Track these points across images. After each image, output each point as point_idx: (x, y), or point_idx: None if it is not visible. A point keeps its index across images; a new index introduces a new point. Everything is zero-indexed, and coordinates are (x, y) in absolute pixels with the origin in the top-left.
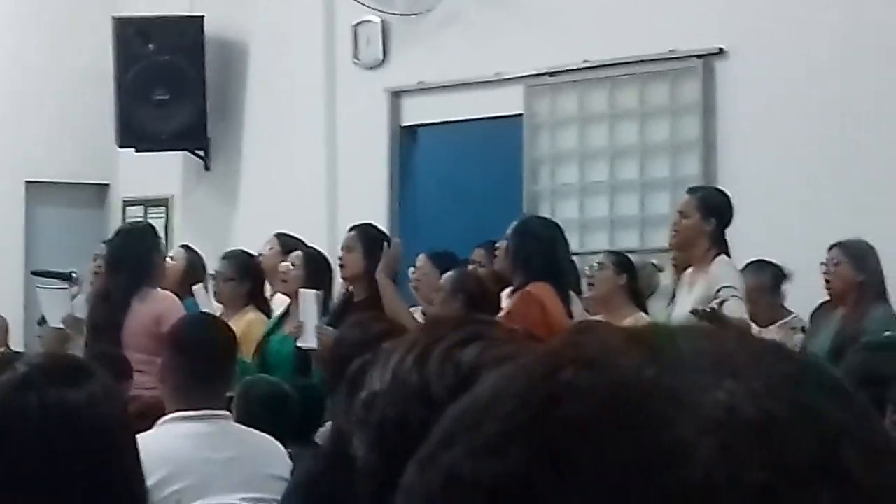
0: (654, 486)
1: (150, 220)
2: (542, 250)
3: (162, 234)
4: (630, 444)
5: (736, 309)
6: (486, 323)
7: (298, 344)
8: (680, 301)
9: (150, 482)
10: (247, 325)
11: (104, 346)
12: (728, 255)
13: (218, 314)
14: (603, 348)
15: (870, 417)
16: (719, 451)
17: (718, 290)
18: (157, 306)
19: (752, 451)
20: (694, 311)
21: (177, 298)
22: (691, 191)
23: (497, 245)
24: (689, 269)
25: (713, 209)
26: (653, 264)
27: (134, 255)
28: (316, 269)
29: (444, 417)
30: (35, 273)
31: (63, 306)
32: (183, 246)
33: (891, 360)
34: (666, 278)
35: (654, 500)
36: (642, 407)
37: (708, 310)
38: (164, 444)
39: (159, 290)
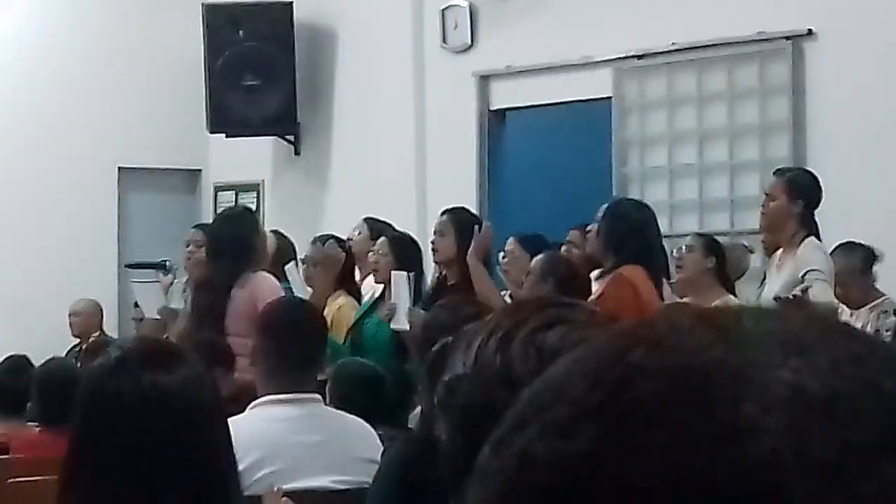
0: (721, 463)
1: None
2: (635, 233)
3: None
4: (697, 422)
5: (821, 293)
6: (569, 306)
7: (392, 326)
8: (769, 283)
9: (242, 465)
10: (338, 309)
11: (205, 334)
12: (818, 236)
13: (308, 297)
14: (672, 329)
15: None
16: (786, 427)
17: (805, 274)
18: (256, 289)
19: (819, 427)
20: (777, 298)
21: (274, 279)
22: (779, 172)
23: (588, 228)
24: (779, 251)
25: (801, 191)
26: (743, 245)
27: (235, 240)
28: (404, 253)
29: (517, 400)
30: (129, 266)
31: (158, 298)
32: (273, 231)
33: None
34: (757, 260)
35: (721, 477)
36: (709, 385)
37: (791, 297)
38: (256, 427)
39: (258, 272)
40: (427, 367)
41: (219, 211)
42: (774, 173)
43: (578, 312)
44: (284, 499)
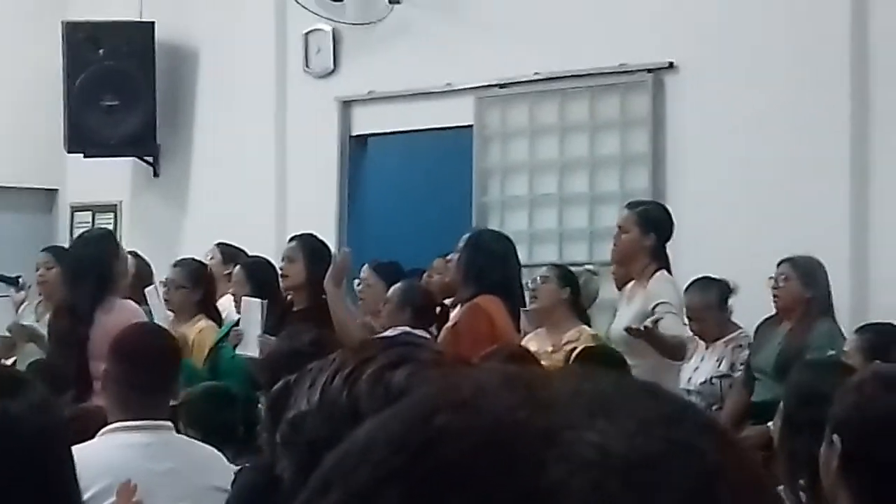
0: None
1: (98, 226)
2: (494, 264)
3: None
4: (502, 484)
5: (671, 325)
6: (415, 345)
7: (238, 351)
8: (619, 315)
9: (89, 493)
10: (199, 333)
11: (58, 359)
12: (668, 270)
13: (168, 321)
14: (479, 391)
15: (744, 457)
16: (591, 490)
17: (655, 306)
18: (123, 316)
19: (624, 489)
20: (628, 329)
21: (136, 306)
22: (630, 206)
23: (449, 257)
24: (630, 284)
25: (653, 224)
26: (588, 270)
27: (95, 264)
28: (259, 279)
29: (322, 463)
30: None
31: (8, 314)
32: (131, 252)
33: (833, 380)
34: (610, 292)
35: None
36: (515, 448)
37: (642, 328)
38: (105, 454)
39: (122, 299)
40: (268, 404)
41: (76, 232)
42: (626, 206)
43: (425, 352)
44: (137, 500)
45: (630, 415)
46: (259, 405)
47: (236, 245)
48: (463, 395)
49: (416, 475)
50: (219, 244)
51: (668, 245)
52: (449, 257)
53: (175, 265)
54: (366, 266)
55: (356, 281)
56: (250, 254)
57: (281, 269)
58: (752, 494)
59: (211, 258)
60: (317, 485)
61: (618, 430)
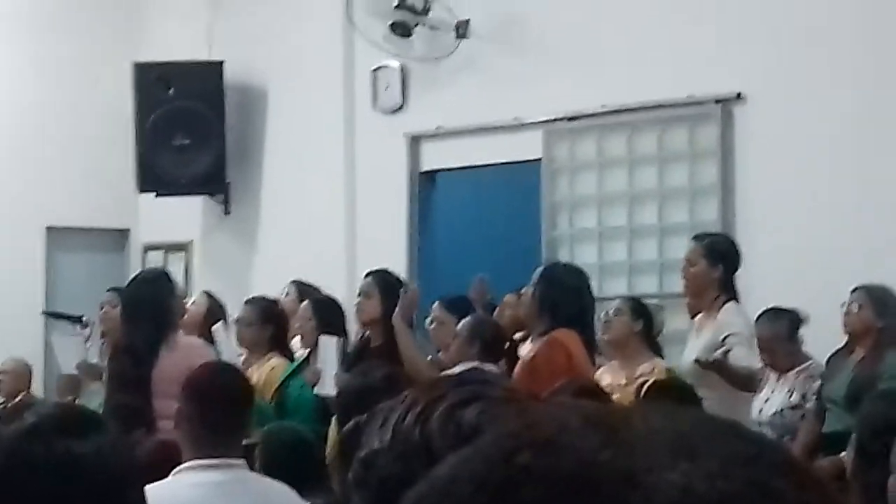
0: None
1: (171, 265)
2: (569, 298)
3: (182, 279)
4: None
5: (742, 356)
6: (486, 382)
7: (316, 391)
8: (689, 347)
9: None
10: (270, 370)
11: (125, 397)
12: (737, 300)
13: (240, 359)
14: (560, 430)
15: (824, 495)
16: None
17: (725, 338)
18: (190, 354)
19: None
20: (697, 361)
21: (203, 343)
22: (697, 238)
23: (522, 291)
24: (699, 315)
25: (720, 256)
26: (656, 304)
27: (151, 303)
28: (328, 316)
29: (403, 500)
30: (46, 313)
31: (77, 352)
32: (204, 292)
33: None
34: (679, 324)
35: None
36: (598, 490)
37: (711, 360)
38: (180, 493)
39: (188, 337)
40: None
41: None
42: (693, 239)
43: (495, 389)
44: None
45: (711, 455)
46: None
47: (311, 283)
48: (544, 433)
49: None
50: (294, 282)
51: (738, 275)
52: (522, 291)
53: (246, 303)
54: (436, 303)
55: (427, 318)
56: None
57: (357, 304)
58: None
59: (286, 295)
60: None
61: (700, 470)
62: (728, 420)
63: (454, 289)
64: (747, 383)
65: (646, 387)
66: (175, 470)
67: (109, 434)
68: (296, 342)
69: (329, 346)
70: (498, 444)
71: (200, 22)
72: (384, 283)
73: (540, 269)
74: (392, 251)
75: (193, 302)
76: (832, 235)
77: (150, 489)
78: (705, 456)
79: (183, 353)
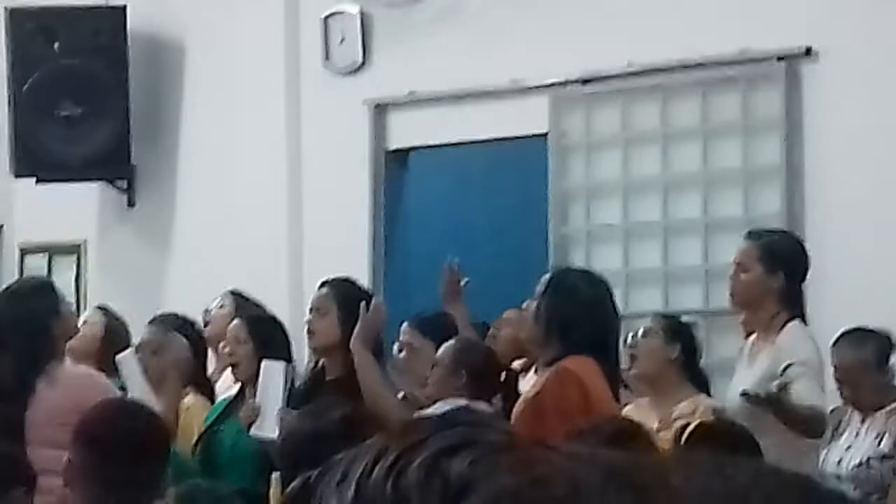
0: None
1: (56, 273)
2: (584, 315)
3: (72, 289)
4: None
5: (806, 392)
6: (478, 424)
7: (253, 431)
8: (737, 377)
9: None
10: (186, 410)
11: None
12: (804, 319)
13: (147, 395)
14: (575, 489)
15: None
16: None
17: (785, 368)
18: (75, 387)
19: None
20: (747, 395)
21: (96, 375)
22: (751, 236)
23: (524, 306)
24: (752, 337)
25: (781, 260)
26: (691, 321)
27: (26, 323)
28: (268, 337)
29: None
30: None
31: None
32: (99, 307)
33: None
34: (735, 348)
35: None
36: None
37: (765, 395)
38: None
39: (77, 366)
40: None
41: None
42: (747, 237)
43: (491, 432)
44: None
45: None
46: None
47: (248, 296)
48: (556, 494)
49: None
50: (231, 292)
51: (805, 286)
52: (523, 306)
53: (150, 323)
54: (405, 325)
55: (395, 344)
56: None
57: (308, 323)
58: None
59: (221, 307)
60: None
61: None
62: (798, 474)
63: (431, 303)
64: (812, 426)
65: (687, 432)
66: None
67: None
68: (226, 375)
69: (274, 373)
70: None
71: None
72: (343, 296)
73: (546, 276)
74: (350, 254)
75: (85, 321)
76: None
77: None
78: None
79: (70, 389)
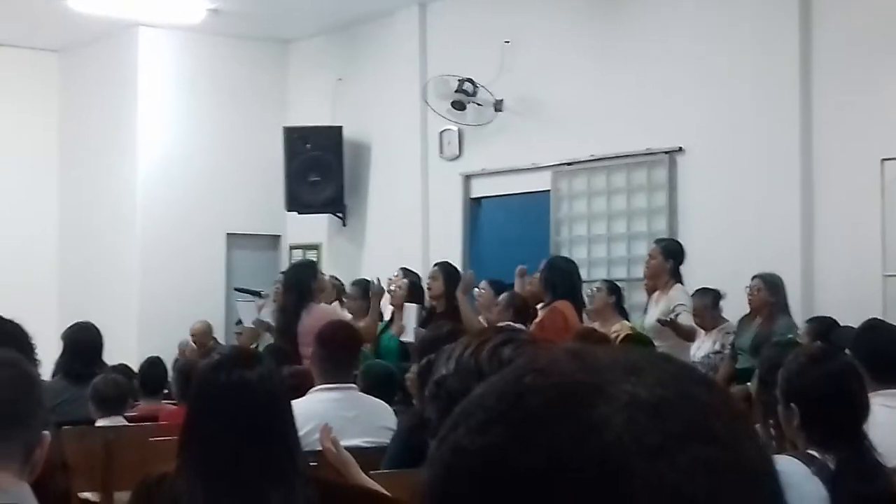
0: (585, 449)
1: (308, 257)
2: (565, 279)
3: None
4: (568, 421)
5: (686, 319)
6: (517, 331)
7: (401, 338)
8: (649, 314)
9: (303, 431)
10: (366, 325)
11: (276, 343)
12: (682, 283)
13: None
14: (552, 361)
15: (728, 398)
16: (626, 423)
17: (675, 307)
18: (322, 315)
19: (647, 422)
20: (658, 320)
21: (335, 308)
22: (658, 241)
23: (535, 275)
24: (656, 293)
25: (672, 253)
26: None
27: (299, 282)
28: (414, 291)
29: (453, 411)
30: (237, 289)
31: (254, 313)
32: (331, 276)
33: (785, 353)
34: (641, 298)
35: (585, 458)
36: (575, 397)
37: (667, 319)
38: (314, 406)
39: (321, 304)
40: (418, 373)
41: (291, 262)
42: (655, 242)
43: (523, 335)
44: (333, 435)
45: (651, 373)
46: (406, 374)
47: (413, 269)
48: (542, 364)
49: (512, 417)
50: (403, 268)
51: (682, 267)
52: (535, 276)
53: (353, 283)
54: (483, 281)
55: (476, 291)
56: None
57: (428, 285)
58: (735, 424)
59: (397, 277)
60: (450, 424)
61: (643, 383)
62: (664, 353)
63: (494, 273)
64: (690, 336)
65: (618, 339)
66: (310, 390)
67: (268, 366)
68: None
69: (411, 310)
70: (512, 371)
71: (327, 98)
72: (446, 270)
73: (545, 260)
74: (452, 250)
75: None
76: (743, 240)
77: (294, 403)
78: (647, 374)
79: (314, 315)
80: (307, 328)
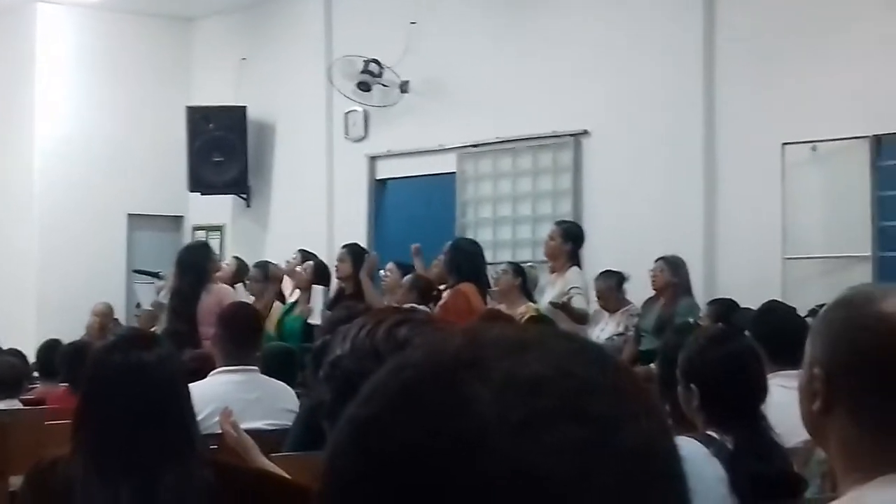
0: (454, 422)
1: (209, 240)
2: (469, 261)
3: (218, 249)
4: (441, 395)
5: (579, 302)
6: (414, 311)
7: (309, 321)
8: (546, 294)
9: (203, 414)
10: (266, 306)
11: (175, 325)
12: (580, 266)
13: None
14: (441, 338)
15: (624, 378)
16: (494, 399)
17: (570, 289)
18: (220, 296)
19: (517, 399)
20: (551, 303)
21: (232, 289)
22: (558, 223)
23: (439, 258)
24: (554, 274)
25: (571, 236)
26: (532, 266)
27: (195, 263)
28: (320, 273)
29: (361, 389)
30: (135, 271)
31: (153, 295)
32: (235, 256)
33: (685, 335)
34: (544, 279)
35: (453, 431)
36: (449, 372)
37: (560, 302)
38: (214, 389)
39: (220, 285)
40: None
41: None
42: (555, 223)
43: (420, 315)
44: (233, 419)
45: (536, 351)
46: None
47: (311, 251)
48: (431, 340)
49: (390, 389)
50: (301, 250)
51: (586, 249)
52: (440, 258)
53: (254, 265)
54: (390, 263)
55: (381, 272)
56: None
57: (336, 267)
58: (622, 404)
59: (294, 259)
60: (353, 403)
61: (524, 361)
62: (563, 331)
63: (399, 255)
64: (581, 319)
65: (523, 321)
66: (212, 373)
67: (166, 348)
68: (295, 292)
69: (318, 292)
70: (411, 347)
71: (231, 77)
72: (353, 252)
73: (449, 242)
74: (357, 232)
75: (227, 263)
76: (647, 223)
77: (193, 386)
78: (532, 351)
79: (213, 295)
80: (207, 309)
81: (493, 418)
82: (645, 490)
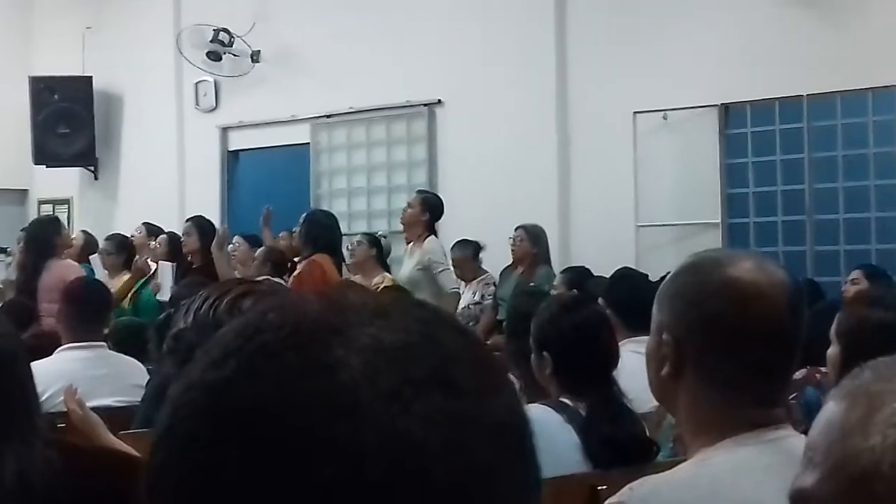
0: (315, 388)
1: (57, 214)
2: (324, 232)
3: (66, 223)
4: (302, 359)
5: (448, 281)
6: (257, 283)
7: (157, 297)
8: (403, 265)
9: (49, 393)
10: (123, 283)
11: (14, 299)
12: (436, 235)
13: (104, 277)
14: (298, 301)
15: (480, 348)
16: (363, 365)
17: (429, 259)
18: (61, 271)
19: (386, 366)
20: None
21: (75, 264)
22: (419, 192)
23: (294, 229)
24: (411, 244)
25: (430, 207)
26: (382, 235)
27: (39, 237)
28: (173, 248)
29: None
30: None
31: (1, 271)
32: (83, 231)
33: (535, 302)
34: (402, 251)
35: (314, 397)
36: (312, 335)
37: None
38: (60, 366)
39: (65, 260)
40: (156, 328)
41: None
42: (416, 192)
43: (264, 286)
44: (78, 396)
45: (399, 318)
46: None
47: (157, 224)
48: (287, 302)
49: (245, 351)
50: (144, 223)
51: (443, 218)
52: (294, 229)
53: (107, 238)
54: (237, 236)
55: (231, 246)
56: (165, 231)
57: (182, 240)
58: (483, 375)
59: (139, 232)
60: (192, 364)
61: (389, 327)
62: (419, 300)
63: (249, 228)
64: (452, 302)
65: (379, 289)
66: (57, 350)
67: (4, 326)
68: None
69: (167, 269)
70: (259, 309)
71: (75, 46)
72: (199, 224)
73: (304, 213)
74: (209, 204)
75: (74, 238)
76: (502, 192)
77: (35, 365)
78: (395, 318)
79: (55, 271)
80: (47, 285)
81: (365, 385)
82: (512, 465)
